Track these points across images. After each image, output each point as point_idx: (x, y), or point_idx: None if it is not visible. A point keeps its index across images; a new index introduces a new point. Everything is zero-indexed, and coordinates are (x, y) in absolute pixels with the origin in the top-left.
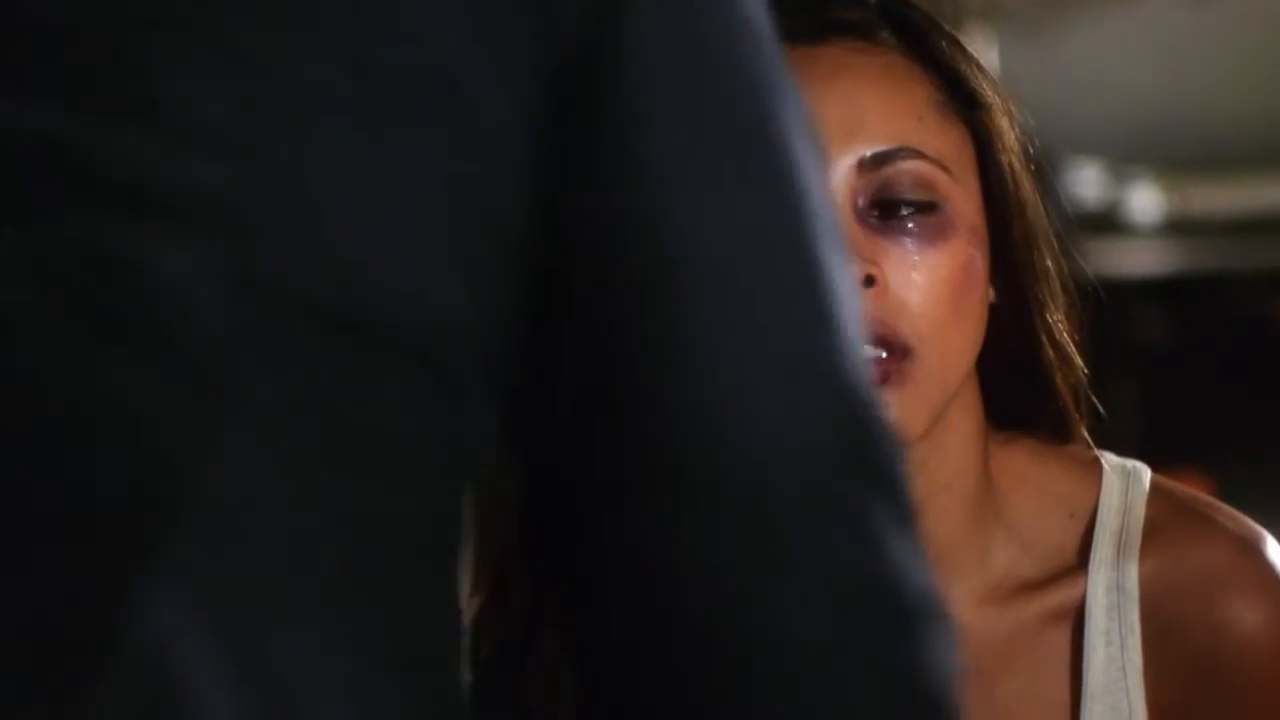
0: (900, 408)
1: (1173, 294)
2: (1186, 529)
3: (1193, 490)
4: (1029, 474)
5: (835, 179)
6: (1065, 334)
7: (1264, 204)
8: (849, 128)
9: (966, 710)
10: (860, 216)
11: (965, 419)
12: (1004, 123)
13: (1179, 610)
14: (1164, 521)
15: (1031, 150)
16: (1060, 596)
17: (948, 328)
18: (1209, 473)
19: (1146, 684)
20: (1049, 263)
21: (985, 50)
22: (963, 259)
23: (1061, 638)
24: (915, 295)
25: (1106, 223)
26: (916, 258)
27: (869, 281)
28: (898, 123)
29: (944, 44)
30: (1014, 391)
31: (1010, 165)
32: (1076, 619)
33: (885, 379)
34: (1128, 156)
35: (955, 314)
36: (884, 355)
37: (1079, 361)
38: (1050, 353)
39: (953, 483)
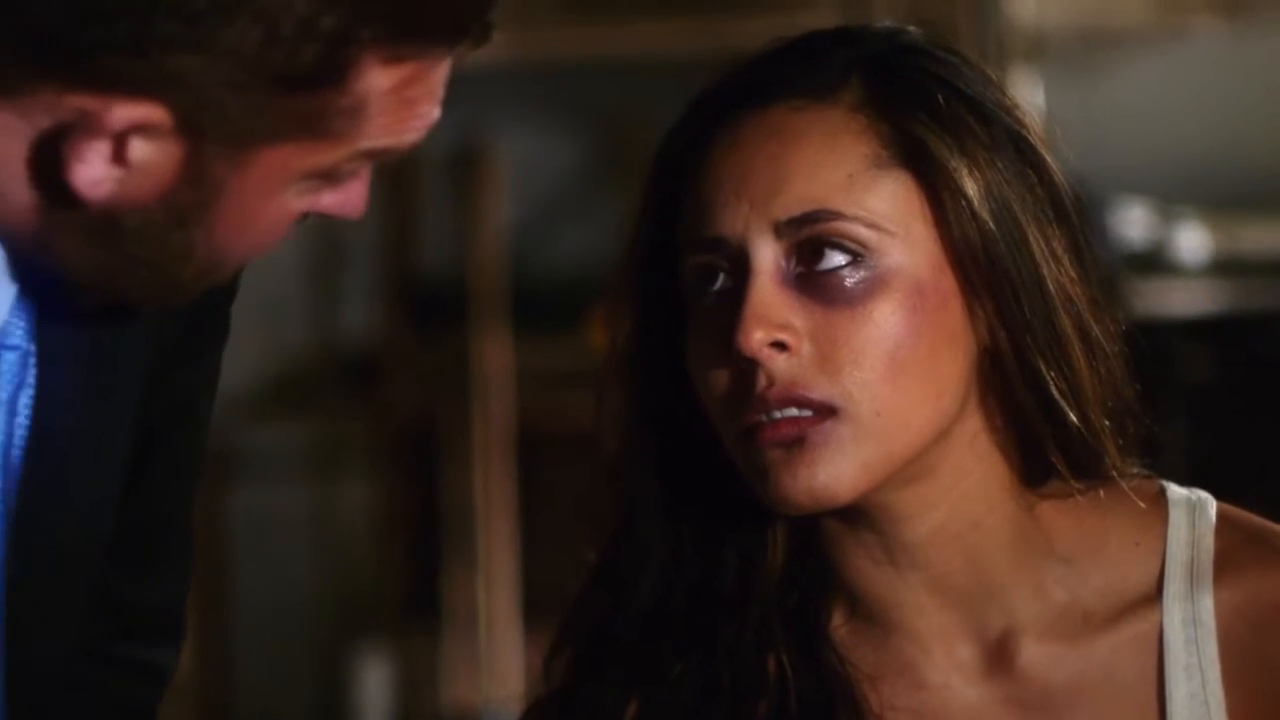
0: (821, 465)
1: (1220, 333)
2: (1258, 560)
3: (1259, 519)
4: (1091, 510)
5: (756, 243)
6: (1081, 377)
7: None
8: (770, 192)
9: None
10: (784, 279)
11: (980, 464)
12: (963, 171)
13: (1257, 644)
14: (1234, 552)
15: (1059, 194)
16: (1132, 630)
17: (884, 385)
18: (1256, 512)
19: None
20: (1050, 309)
21: (1030, 91)
22: (899, 315)
23: (1136, 671)
24: (842, 354)
25: (1154, 262)
26: (843, 317)
27: (781, 347)
28: (821, 184)
29: (914, 92)
30: (1044, 434)
31: (971, 215)
32: (1152, 652)
33: (801, 438)
34: (1174, 196)
35: (893, 370)
36: (800, 415)
37: (1089, 404)
38: (1056, 396)
39: (983, 520)
